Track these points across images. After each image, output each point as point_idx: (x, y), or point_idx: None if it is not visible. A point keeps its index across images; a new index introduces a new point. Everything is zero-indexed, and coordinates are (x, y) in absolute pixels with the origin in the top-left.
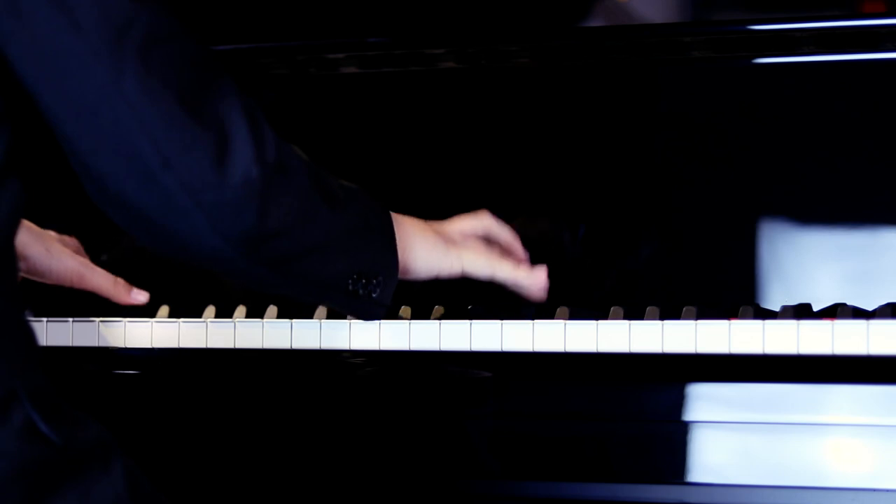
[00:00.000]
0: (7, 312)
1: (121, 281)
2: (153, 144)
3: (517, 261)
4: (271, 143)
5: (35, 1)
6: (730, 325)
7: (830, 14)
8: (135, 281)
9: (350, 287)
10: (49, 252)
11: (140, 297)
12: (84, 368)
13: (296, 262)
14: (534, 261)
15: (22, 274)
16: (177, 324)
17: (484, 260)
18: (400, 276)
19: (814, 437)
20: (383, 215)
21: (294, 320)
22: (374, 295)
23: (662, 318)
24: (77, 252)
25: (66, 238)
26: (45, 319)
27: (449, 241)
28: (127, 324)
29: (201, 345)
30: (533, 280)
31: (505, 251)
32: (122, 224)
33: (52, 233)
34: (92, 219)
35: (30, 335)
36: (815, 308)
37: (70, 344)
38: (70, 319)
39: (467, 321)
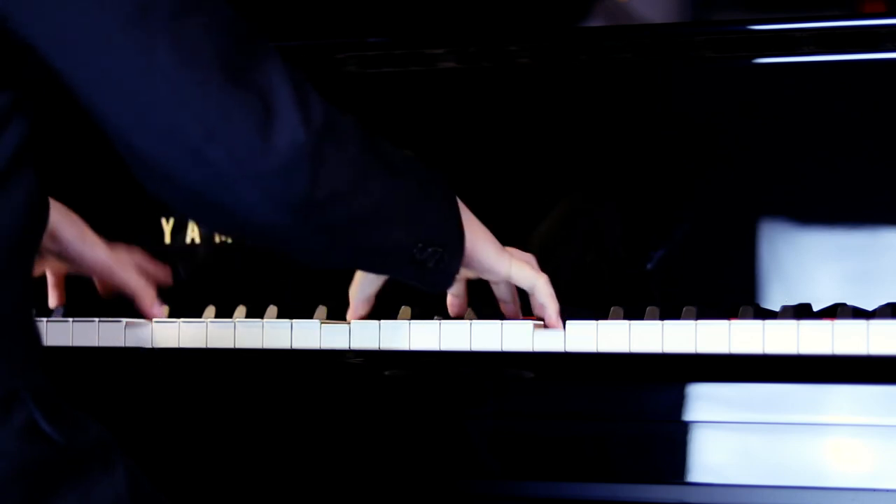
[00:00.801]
0: (13, 312)
1: (151, 288)
2: (194, 117)
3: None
4: (317, 106)
5: None
6: (730, 325)
7: (830, 14)
8: None
9: (417, 256)
10: (83, 237)
11: (158, 310)
12: (84, 368)
13: (356, 228)
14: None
15: (52, 258)
16: (177, 324)
17: (531, 271)
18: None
19: (814, 437)
20: (446, 187)
21: (294, 320)
22: (441, 264)
23: (662, 318)
24: (137, 262)
25: (120, 246)
26: (44, 319)
27: (503, 246)
28: (126, 324)
29: (201, 345)
30: (553, 319)
31: None
32: (178, 206)
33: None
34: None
35: (33, 335)
36: (815, 308)
37: (70, 344)
38: (70, 320)
39: (467, 321)
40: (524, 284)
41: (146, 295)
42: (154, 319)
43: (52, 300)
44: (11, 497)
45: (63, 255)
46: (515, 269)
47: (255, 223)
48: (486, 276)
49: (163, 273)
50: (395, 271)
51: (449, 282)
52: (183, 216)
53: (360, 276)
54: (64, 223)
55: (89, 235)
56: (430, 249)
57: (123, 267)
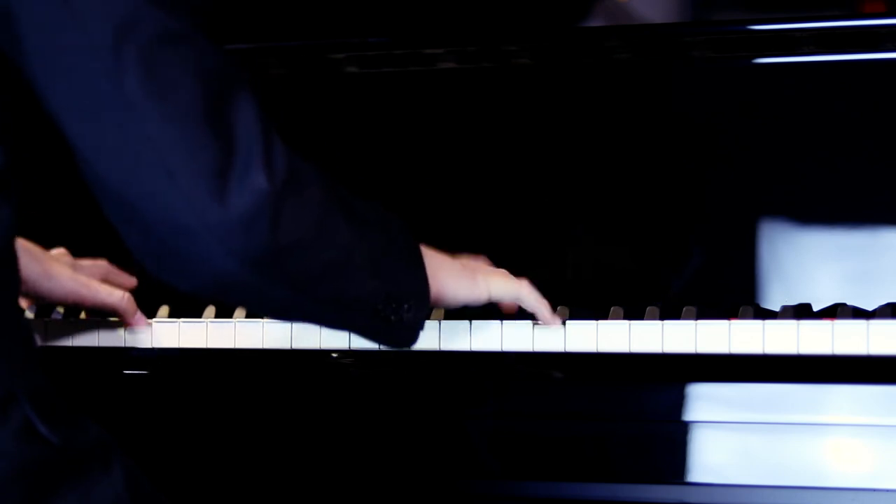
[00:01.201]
0: (7, 315)
1: (128, 298)
2: (156, 150)
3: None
4: (281, 154)
5: None
6: (730, 325)
7: (830, 14)
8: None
9: (381, 311)
10: (48, 274)
11: (141, 320)
12: (85, 369)
13: (318, 280)
14: (534, 260)
15: (22, 296)
16: (177, 324)
17: (510, 285)
18: (432, 303)
19: (814, 437)
20: (408, 238)
21: (295, 322)
22: (405, 319)
23: (662, 318)
24: (103, 275)
25: (85, 262)
26: (44, 319)
27: (474, 271)
28: (126, 330)
29: (201, 345)
30: (548, 318)
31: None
32: (140, 253)
33: (59, 253)
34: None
35: (29, 336)
36: (815, 308)
37: (71, 345)
38: (70, 320)
39: (467, 321)
40: (508, 299)
41: (126, 311)
42: (154, 319)
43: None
44: (11, 498)
45: (30, 293)
46: (494, 289)
47: (214, 275)
48: (469, 306)
49: (128, 281)
50: (358, 327)
51: (414, 337)
52: None
53: None
54: (26, 263)
55: (53, 269)
56: (393, 304)
57: (93, 289)
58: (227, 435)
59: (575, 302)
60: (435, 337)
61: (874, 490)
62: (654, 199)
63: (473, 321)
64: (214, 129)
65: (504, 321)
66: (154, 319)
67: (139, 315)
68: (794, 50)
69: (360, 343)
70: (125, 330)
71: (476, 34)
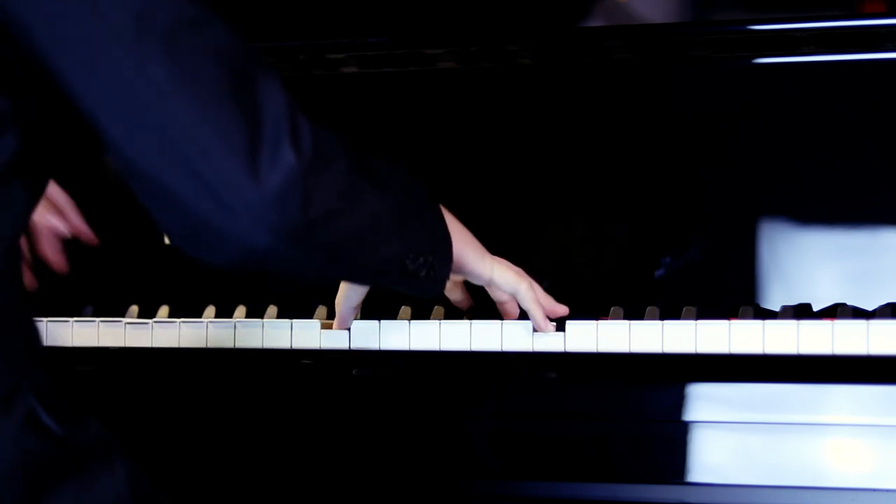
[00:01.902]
0: (11, 310)
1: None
2: (185, 133)
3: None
4: (306, 129)
5: None
6: (730, 325)
7: (830, 14)
8: (135, 280)
9: (410, 266)
10: None
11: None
12: (83, 369)
13: (351, 245)
14: (534, 260)
15: None
16: (177, 324)
17: (512, 275)
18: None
19: (814, 437)
20: (428, 194)
21: (294, 320)
22: (432, 272)
23: (662, 318)
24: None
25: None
26: (44, 319)
27: (484, 249)
28: (127, 324)
29: (201, 345)
30: (540, 323)
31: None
32: (176, 233)
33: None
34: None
35: (33, 334)
36: (815, 308)
37: (70, 345)
38: (71, 320)
39: (467, 321)
40: (506, 289)
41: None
42: (154, 319)
43: None
44: (14, 488)
45: None
46: (497, 273)
47: (250, 249)
48: (469, 279)
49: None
50: (388, 282)
51: (440, 288)
52: None
53: (345, 286)
54: None
55: None
56: (421, 259)
57: None
58: (228, 435)
59: (575, 302)
60: (435, 337)
61: (874, 490)
62: (655, 198)
63: (474, 321)
64: (242, 109)
65: (504, 321)
66: (154, 320)
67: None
68: (794, 50)
69: (360, 343)
70: (125, 329)
71: (476, 34)
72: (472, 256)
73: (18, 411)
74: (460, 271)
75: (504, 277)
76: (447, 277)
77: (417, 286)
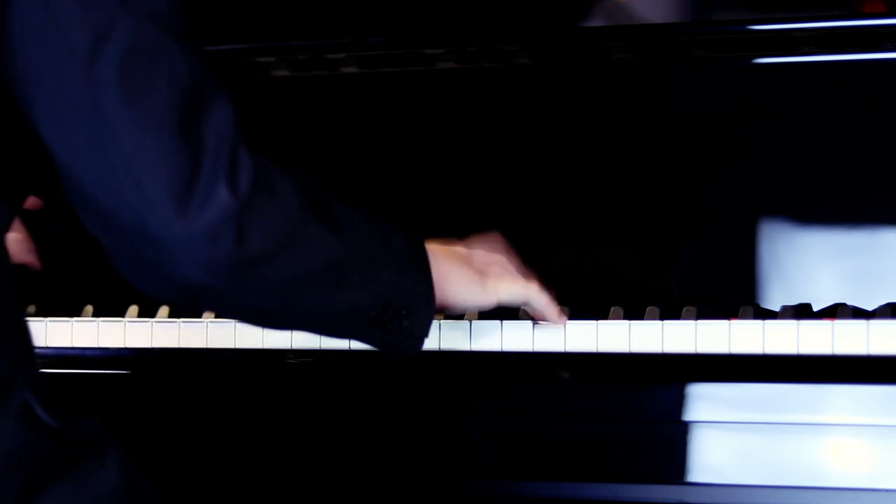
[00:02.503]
0: (3, 308)
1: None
2: (126, 160)
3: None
4: (246, 166)
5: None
6: (730, 325)
7: (830, 14)
8: None
9: (376, 320)
10: None
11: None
12: (83, 368)
13: (301, 289)
14: (534, 260)
15: None
16: (177, 324)
17: (519, 289)
18: (437, 309)
19: (814, 437)
20: (413, 244)
21: None
22: (404, 329)
23: (662, 318)
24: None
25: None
26: (45, 319)
27: (483, 274)
28: (127, 324)
29: (201, 345)
30: (556, 320)
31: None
32: (111, 256)
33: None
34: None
35: (25, 333)
36: (815, 308)
37: (70, 344)
38: (72, 320)
39: (467, 321)
40: (517, 303)
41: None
42: (154, 319)
43: None
44: (10, 481)
45: None
46: (503, 293)
47: (184, 283)
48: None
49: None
50: (355, 335)
51: (417, 347)
52: None
53: None
54: None
55: None
56: (391, 312)
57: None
58: (227, 435)
59: (575, 302)
60: (435, 337)
61: (874, 490)
62: (655, 198)
63: (473, 321)
64: (184, 141)
65: (504, 321)
66: (154, 319)
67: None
68: (794, 50)
69: (359, 343)
70: (125, 329)
71: (476, 34)
72: (470, 293)
73: (14, 404)
74: (461, 310)
75: (511, 295)
76: (425, 334)
77: (387, 341)
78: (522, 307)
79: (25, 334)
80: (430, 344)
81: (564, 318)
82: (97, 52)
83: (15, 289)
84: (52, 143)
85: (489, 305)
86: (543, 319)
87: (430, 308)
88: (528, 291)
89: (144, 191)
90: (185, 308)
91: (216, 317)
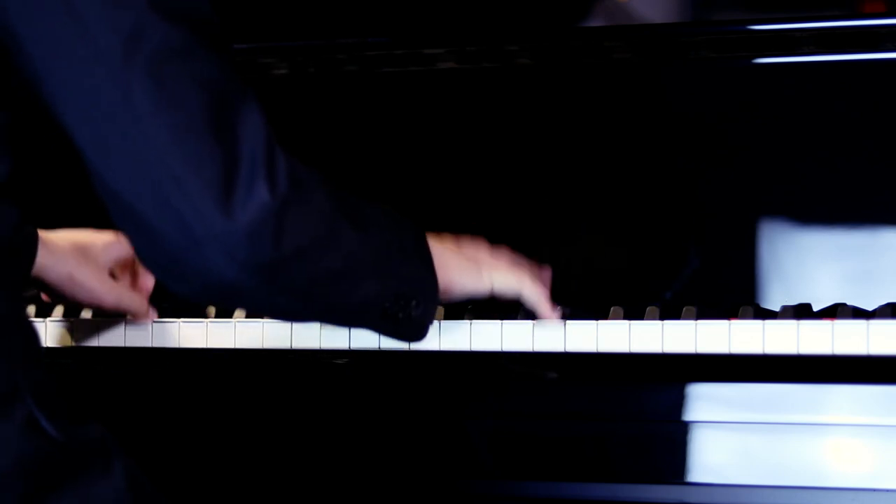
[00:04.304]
0: (10, 312)
1: (141, 300)
2: (163, 162)
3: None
4: (283, 166)
5: (44, 3)
6: (730, 325)
7: (830, 14)
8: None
9: (389, 311)
10: (71, 279)
11: (153, 316)
12: (84, 369)
13: (326, 287)
14: (534, 260)
15: (48, 294)
16: (177, 324)
17: (513, 279)
18: (440, 298)
19: (814, 437)
20: (418, 236)
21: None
22: (413, 316)
23: (662, 318)
24: (125, 259)
25: (108, 241)
26: (45, 320)
27: (479, 261)
28: (127, 324)
29: (201, 344)
30: (546, 313)
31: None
32: (149, 263)
33: (87, 238)
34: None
35: (32, 334)
36: (815, 308)
37: (70, 345)
38: (71, 319)
39: (467, 321)
40: (510, 294)
41: (139, 311)
42: (154, 319)
43: None
44: (12, 492)
45: (56, 295)
46: (497, 282)
47: (220, 283)
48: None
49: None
50: (368, 326)
51: (423, 332)
52: None
53: None
54: (48, 267)
55: (77, 274)
56: (402, 302)
57: (116, 295)
58: (229, 435)
59: (575, 302)
60: (435, 337)
61: (874, 490)
62: (654, 198)
63: (473, 321)
64: (220, 142)
65: (504, 321)
66: (154, 319)
67: (151, 311)
68: (794, 50)
69: (359, 343)
70: (125, 329)
71: (476, 34)
72: (466, 280)
73: (18, 415)
74: (458, 298)
75: (504, 284)
76: (430, 321)
77: (397, 329)
78: (519, 299)
79: (31, 336)
80: (430, 344)
81: (557, 312)
82: (128, 55)
83: (22, 296)
84: (85, 149)
85: (484, 292)
86: (537, 312)
87: (436, 296)
88: (521, 284)
89: (185, 192)
90: (207, 302)
91: (216, 316)
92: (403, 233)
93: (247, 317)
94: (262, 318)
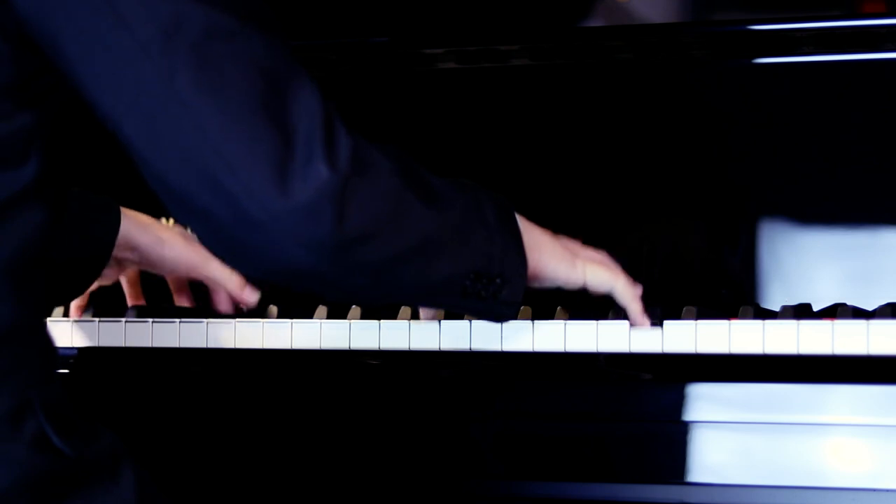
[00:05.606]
0: (29, 324)
1: (237, 276)
2: (213, 146)
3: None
4: (344, 143)
5: (78, 2)
6: (730, 325)
7: (830, 14)
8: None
9: (469, 289)
10: (160, 240)
11: (251, 297)
12: (86, 370)
13: (396, 266)
14: None
15: (132, 265)
16: (176, 324)
17: (607, 275)
18: (529, 280)
19: (814, 437)
20: (501, 209)
21: (294, 320)
22: (499, 296)
23: (663, 318)
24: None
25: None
26: (70, 320)
27: (574, 251)
28: (126, 324)
29: (201, 345)
30: (638, 318)
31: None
32: (210, 245)
33: (168, 224)
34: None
35: (48, 344)
36: (815, 308)
37: (70, 345)
38: (71, 319)
39: (467, 321)
40: (602, 290)
41: (235, 282)
42: (154, 319)
43: (130, 300)
44: None
45: (144, 262)
46: (591, 276)
47: (287, 265)
48: (566, 289)
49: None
50: (449, 305)
51: (513, 312)
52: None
53: None
54: (137, 231)
55: (164, 235)
56: (484, 280)
57: (206, 259)
58: (230, 436)
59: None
60: (435, 337)
61: (874, 490)
62: (654, 198)
63: (474, 321)
64: (271, 120)
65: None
66: (153, 319)
67: (248, 289)
68: (794, 50)
69: (360, 343)
70: (125, 329)
71: (476, 34)
72: (560, 267)
73: (28, 431)
74: (547, 284)
75: (598, 280)
76: (519, 301)
77: (485, 310)
78: (612, 295)
79: (48, 347)
80: (430, 344)
81: (647, 320)
82: (169, 44)
83: (42, 307)
84: (133, 141)
85: (576, 283)
86: (628, 311)
87: (523, 274)
88: (615, 282)
89: (239, 176)
90: (281, 285)
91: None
92: (485, 208)
93: (302, 315)
94: (263, 318)
